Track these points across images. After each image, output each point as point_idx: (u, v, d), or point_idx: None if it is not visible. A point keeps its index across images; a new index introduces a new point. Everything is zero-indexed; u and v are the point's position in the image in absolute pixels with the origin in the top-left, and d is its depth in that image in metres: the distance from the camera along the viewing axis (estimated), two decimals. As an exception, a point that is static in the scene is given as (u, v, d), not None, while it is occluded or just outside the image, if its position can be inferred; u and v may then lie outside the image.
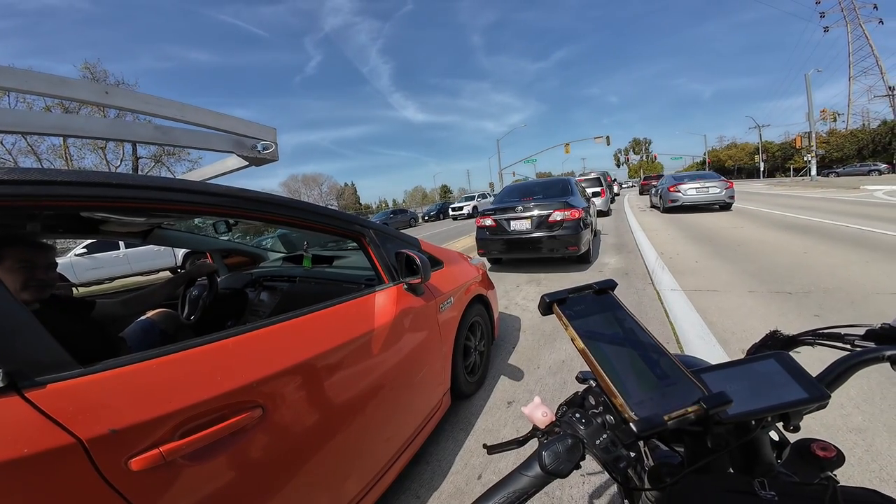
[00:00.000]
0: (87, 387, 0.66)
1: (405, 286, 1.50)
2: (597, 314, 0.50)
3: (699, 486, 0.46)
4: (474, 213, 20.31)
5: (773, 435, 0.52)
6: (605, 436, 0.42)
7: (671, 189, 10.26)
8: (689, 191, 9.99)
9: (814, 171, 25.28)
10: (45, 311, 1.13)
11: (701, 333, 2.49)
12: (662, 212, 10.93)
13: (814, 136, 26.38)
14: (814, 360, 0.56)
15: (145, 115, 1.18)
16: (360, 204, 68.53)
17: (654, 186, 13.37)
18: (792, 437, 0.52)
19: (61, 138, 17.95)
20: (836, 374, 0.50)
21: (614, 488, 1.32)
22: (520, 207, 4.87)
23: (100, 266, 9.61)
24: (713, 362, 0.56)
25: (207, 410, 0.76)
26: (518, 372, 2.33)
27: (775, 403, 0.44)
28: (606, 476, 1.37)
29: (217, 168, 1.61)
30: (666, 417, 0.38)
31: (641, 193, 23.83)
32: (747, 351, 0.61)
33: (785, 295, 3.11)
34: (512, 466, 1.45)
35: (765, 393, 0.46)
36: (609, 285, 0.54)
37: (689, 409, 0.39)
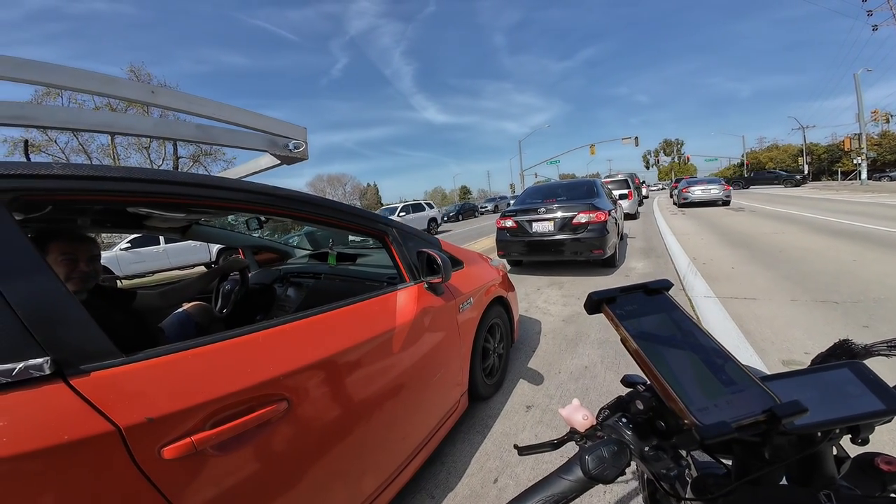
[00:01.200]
0: (128, 375, 0.68)
1: (426, 285, 1.51)
2: (650, 315, 0.47)
3: (755, 498, 0.43)
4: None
5: (833, 449, 0.49)
6: (654, 442, 0.40)
7: (684, 190, 14.55)
8: (697, 191, 14.04)
9: (864, 175, 23.41)
10: (90, 301, 1.21)
11: (737, 343, 2.36)
12: (678, 206, 14.79)
13: (864, 137, 24.46)
14: (888, 371, 0.52)
15: (188, 114, 1.24)
16: (382, 203, 69.59)
17: (675, 187, 18.10)
18: (852, 451, 0.48)
19: (109, 138, 19.36)
20: None
21: (639, 499, 1.27)
22: (542, 209, 4.79)
23: (142, 260, 10.25)
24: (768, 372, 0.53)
25: (237, 402, 0.78)
26: (538, 376, 2.29)
27: (848, 414, 0.41)
28: (630, 486, 1.32)
29: (251, 167, 1.68)
30: (735, 425, 0.36)
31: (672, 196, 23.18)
32: (812, 361, 0.56)
33: (831, 304, 2.89)
34: (531, 473, 1.42)
35: (835, 403, 0.42)
36: (664, 285, 0.51)
37: (760, 418, 0.37)
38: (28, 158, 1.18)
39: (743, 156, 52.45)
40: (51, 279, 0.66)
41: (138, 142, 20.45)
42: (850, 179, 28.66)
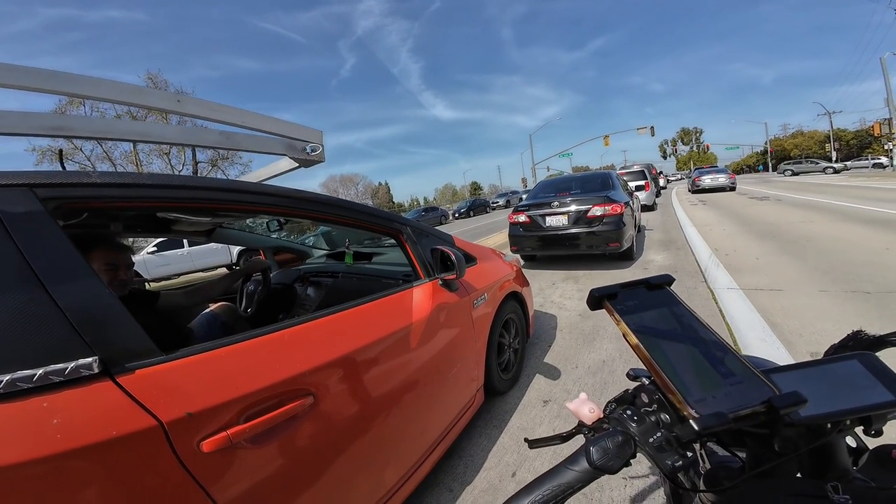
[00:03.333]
0: (168, 372, 0.71)
1: (440, 282, 1.53)
2: (652, 310, 0.48)
3: (763, 490, 0.43)
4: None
5: (851, 441, 0.48)
6: (658, 434, 0.41)
7: (696, 179, 17.47)
8: (707, 179, 16.80)
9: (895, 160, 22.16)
10: (125, 304, 1.28)
11: (762, 335, 2.29)
12: (692, 192, 17.69)
13: (895, 122, 23.10)
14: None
15: (212, 121, 1.29)
16: (394, 202, 70.08)
17: (689, 176, 21.34)
18: (871, 444, 0.47)
19: (132, 145, 20.09)
20: None
21: (661, 493, 1.26)
22: (556, 203, 4.72)
23: (167, 263, 10.65)
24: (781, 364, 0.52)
25: (267, 396, 0.81)
26: (554, 371, 2.28)
27: (856, 406, 0.41)
28: (651, 479, 1.32)
29: (270, 170, 1.72)
30: (731, 416, 0.36)
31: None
32: (825, 352, 0.56)
33: (863, 295, 2.76)
34: (548, 466, 1.44)
35: (845, 395, 0.43)
36: (665, 280, 0.52)
37: (758, 409, 0.37)
38: (63, 167, 1.26)
39: (766, 143, 50.35)
40: (95, 283, 0.69)
41: (159, 148, 21.12)
42: (881, 166, 27.17)
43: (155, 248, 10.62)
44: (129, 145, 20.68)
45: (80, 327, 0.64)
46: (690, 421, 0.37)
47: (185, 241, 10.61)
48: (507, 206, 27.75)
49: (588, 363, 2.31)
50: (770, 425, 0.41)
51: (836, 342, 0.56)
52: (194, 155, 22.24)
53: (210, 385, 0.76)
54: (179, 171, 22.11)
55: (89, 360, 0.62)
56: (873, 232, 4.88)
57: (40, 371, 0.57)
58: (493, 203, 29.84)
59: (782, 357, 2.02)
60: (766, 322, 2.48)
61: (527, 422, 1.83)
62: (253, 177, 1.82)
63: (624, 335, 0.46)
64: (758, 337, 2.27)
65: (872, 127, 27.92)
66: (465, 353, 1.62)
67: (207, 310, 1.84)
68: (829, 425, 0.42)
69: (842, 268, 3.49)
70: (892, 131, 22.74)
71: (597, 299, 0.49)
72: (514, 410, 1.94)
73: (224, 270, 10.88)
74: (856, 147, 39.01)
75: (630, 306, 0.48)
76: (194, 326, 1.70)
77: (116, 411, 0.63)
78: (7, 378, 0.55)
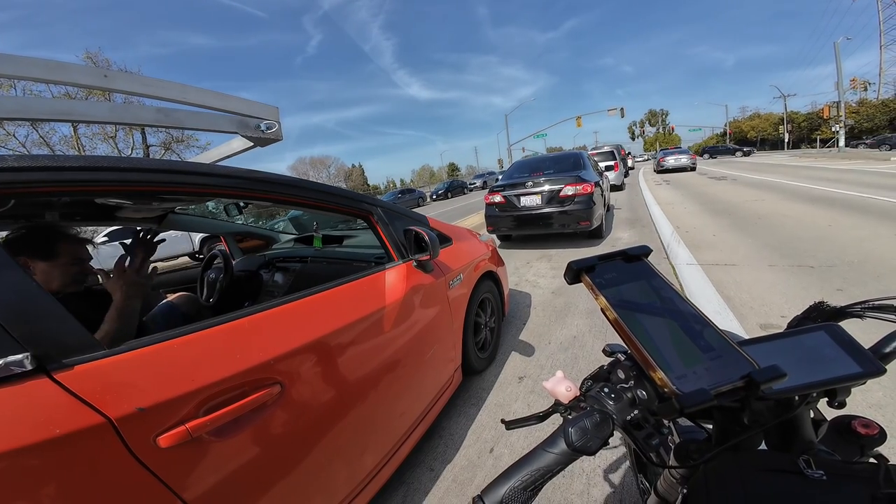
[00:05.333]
0: (113, 367, 0.67)
1: (414, 263, 1.50)
2: (630, 282, 0.47)
3: (735, 464, 0.43)
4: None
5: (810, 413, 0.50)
6: (636, 412, 0.41)
7: (661, 160, 18.83)
8: (671, 160, 18.12)
9: (842, 142, 23.97)
10: (72, 298, 1.17)
11: (718, 308, 2.44)
12: (656, 172, 19.11)
13: (843, 105, 24.91)
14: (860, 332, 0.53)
15: (147, 97, 1.16)
16: (368, 185, 68.27)
17: (655, 157, 22.86)
18: (829, 414, 0.49)
19: (72, 129, 18.21)
20: (894, 347, 0.46)
21: (627, 464, 1.33)
22: (530, 183, 4.77)
23: (121, 252, 9.92)
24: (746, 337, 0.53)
25: (229, 387, 0.78)
26: (529, 348, 2.34)
27: (825, 378, 0.42)
28: (619, 451, 1.39)
29: (223, 150, 1.59)
30: (714, 392, 0.36)
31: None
32: (788, 324, 0.57)
33: (807, 269, 3.00)
34: (524, 441, 1.46)
35: (813, 367, 0.43)
36: (643, 251, 0.50)
37: (739, 384, 0.37)
38: None
39: (725, 125, 52.88)
40: (19, 275, 0.64)
41: (103, 131, 19.27)
42: (828, 147, 29.36)
43: (105, 238, 9.82)
44: (68, 130, 18.74)
45: (5, 322, 0.58)
46: (673, 399, 0.36)
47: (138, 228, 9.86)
48: (483, 186, 27.76)
49: (560, 339, 2.39)
50: (741, 399, 0.40)
51: (800, 313, 0.58)
52: (144, 138, 20.46)
53: (163, 378, 0.71)
54: (129, 156, 20.36)
55: (20, 356, 0.57)
56: (818, 209, 5.29)
57: None
58: (470, 184, 29.75)
59: (735, 329, 2.17)
60: (720, 296, 2.64)
61: (503, 398, 1.88)
62: (205, 158, 1.68)
63: (603, 310, 0.44)
64: (714, 311, 2.42)
65: (822, 110, 29.69)
66: (441, 333, 1.62)
67: (164, 300, 1.72)
68: (797, 398, 0.43)
69: (789, 243, 3.77)
70: (840, 114, 24.42)
71: (575, 272, 0.47)
72: (491, 388, 1.98)
73: (186, 260, 10.28)
74: (806, 129, 41.64)
75: (608, 279, 0.47)
76: (149, 319, 1.58)
77: (56, 409, 0.59)
78: None
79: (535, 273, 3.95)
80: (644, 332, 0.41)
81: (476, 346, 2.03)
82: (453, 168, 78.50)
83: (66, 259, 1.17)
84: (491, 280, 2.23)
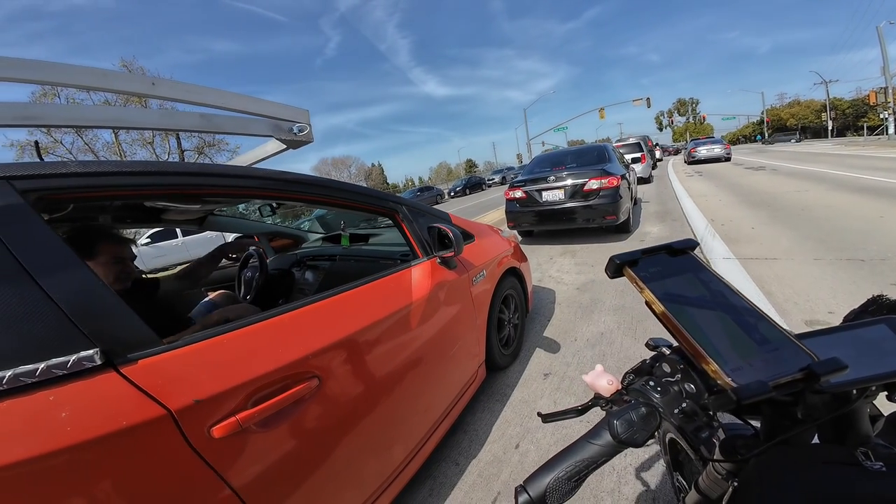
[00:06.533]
0: (171, 361, 0.71)
1: (438, 260, 1.51)
2: (676, 276, 0.46)
3: (789, 458, 0.42)
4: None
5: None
6: (684, 404, 0.40)
7: (692, 150, 17.30)
8: (703, 150, 16.66)
9: (892, 129, 22.04)
10: (125, 295, 1.26)
11: (758, 304, 2.32)
12: (687, 164, 17.35)
13: (890, 91, 22.87)
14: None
15: (190, 104, 1.22)
16: (388, 183, 69.01)
17: (685, 148, 21.26)
18: (886, 409, 0.47)
19: (113, 136, 19.41)
20: None
21: (661, 462, 1.30)
22: (552, 177, 4.67)
23: (163, 254, 10.53)
24: None
25: (274, 381, 0.81)
26: (554, 344, 2.31)
27: (886, 371, 0.40)
28: (652, 449, 1.36)
29: (258, 153, 1.66)
30: (772, 384, 0.35)
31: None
32: (845, 317, 0.54)
33: (857, 262, 2.79)
34: (551, 438, 1.45)
35: (873, 360, 0.41)
36: (688, 245, 0.49)
37: (798, 376, 0.36)
38: (41, 159, 1.20)
39: (762, 113, 49.70)
40: (87, 274, 0.67)
41: (142, 137, 20.45)
42: (876, 135, 27.11)
43: (149, 240, 10.47)
44: (110, 136, 19.98)
45: (76, 320, 0.62)
46: (728, 391, 0.36)
47: (178, 231, 10.46)
48: (502, 182, 27.43)
49: (587, 335, 2.34)
50: (795, 393, 0.39)
51: (857, 307, 0.55)
52: (179, 143, 21.57)
53: (215, 371, 0.75)
54: (166, 160, 21.52)
55: (90, 352, 0.60)
56: (867, 200, 4.90)
57: (42, 365, 0.56)
58: (488, 180, 29.46)
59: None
60: (761, 291, 2.51)
61: (528, 395, 1.87)
62: (241, 161, 1.76)
63: (648, 303, 0.44)
64: (753, 305, 2.30)
65: (868, 96, 27.91)
66: (465, 329, 1.63)
67: (206, 298, 1.82)
68: (854, 392, 0.41)
69: (836, 236, 3.52)
70: (888, 100, 22.54)
71: (617, 266, 0.47)
72: (515, 384, 1.97)
73: (224, 261, 10.78)
74: (851, 116, 38.80)
75: (653, 273, 0.46)
76: (194, 315, 1.68)
77: (124, 402, 0.63)
78: (9, 374, 0.54)
79: (558, 269, 3.88)
80: (695, 325, 0.41)
81: (500, 343, 2.03)
82: (471, 164, 78.03)
83: (106, 258, 1.22)
84: (514, 276, 2.22)
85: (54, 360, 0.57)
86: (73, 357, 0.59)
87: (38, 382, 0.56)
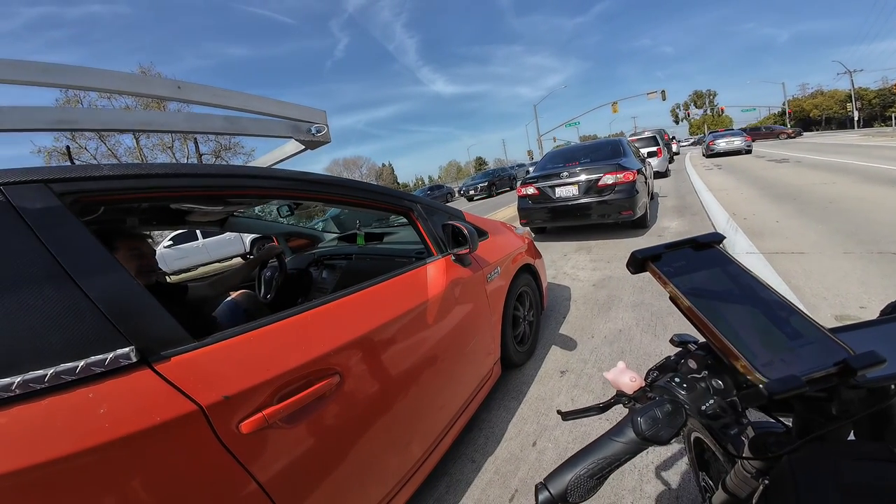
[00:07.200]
0: (202, 358, 0.73)
1: (453, 257, 1.51)
2: (702, 270, 0.45)
3: (823, 454, 0.40)
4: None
5: None
6: (711, 401, 0.39)
7: (710, 143, 16.53)
8: (722, 143, 15.89)
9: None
10: (155, 294, 1.31)
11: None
12: (706, 156, 16.64)
13: None
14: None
15: (215, 106, 1.25)
16: (398, 183, 69.42)
17: (704, 141, 19.86)
18: None
19: (135, 141, 20.06)
20: None
21: (684, 460, 1.27)
22: (565, 173, 4.61)
23: (184, 256, 10.84)
24: None
25: (297, 377, 0.83)
26: (570, 342, 2.29)
27: None
28: (674, 447, 1.33)
29: (277, 155, 1.69)
30: (805, 378, 0.34)
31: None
32: (882, 311, 0.52)
33: (890, 256, 2.66)
34: (569, 435, 1.43)
35: None
36: (715, 239, 0.48)
37: (832, 370, 0.34)
38: (73, 163, 1.25)
39: (784, 104, 47.80)
40: (123, 274, 0.70)
41: (162, 142, 21.09)
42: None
43: (171, 242, 10.81)
44: (131, 142, 20.64)
45: (113, 318, 0.64)
46: (760, 386, 0.35)
47: (198, 233, 10.76)
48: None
49: (604, 332, 2.31)
50: (829, 388, 0.38)
51: (894, 300, 0.53)
52: (197, 147, 22.16)
53: (242, 368, 0.77)
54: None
55: (126, 349, 0.62)
56: (901, 188, 4.66)
57: (81, 363, 0.58)
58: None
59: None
60: (787, 286, 2.42)
61: (545, 392, 1.85)
62: (261, 162, 1.80)
63: (673, 298, 0.43)
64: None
65: (894, 85, 26.62)
66: (480, 326, 1.63)
67: (229, 298, 1.87)
68: (893, 387, 0.40)
69: (866, 228, 3.36)
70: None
71: (639, 261, 0.46)
72: (531, 382, 1.96)
73: (239, 260, 11.05)
74: (878, 106, 37.09)
75: (677, 268, 0.45)
76: (218, 314, 1.73)
77: (158, 398, 0.64)
78: (52, 371, 0.56)
79: (573, 265, 3.83)
80: (722, 320, 0.40)
81: (515, 340, 2.02)
82: (481, 162, 77.65)
83: (124, 253, 1.25)
84: (528, 273, 2.20)
85: (93, 358, 0.60)
86: (111, 355, 0.61)
87: (78, 380, 0.58)
